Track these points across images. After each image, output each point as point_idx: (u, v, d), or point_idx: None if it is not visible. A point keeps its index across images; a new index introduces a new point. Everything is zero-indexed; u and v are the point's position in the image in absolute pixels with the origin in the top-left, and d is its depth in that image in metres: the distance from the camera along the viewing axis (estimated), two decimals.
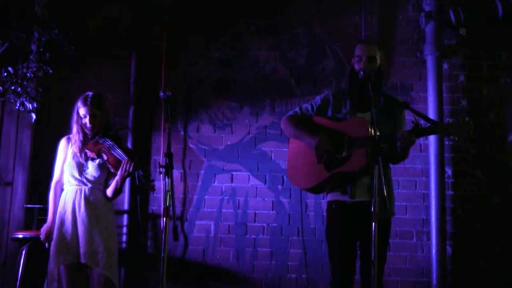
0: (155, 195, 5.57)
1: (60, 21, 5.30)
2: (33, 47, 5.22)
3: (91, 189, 3.92)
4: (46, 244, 3.97)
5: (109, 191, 3.94)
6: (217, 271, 5.44)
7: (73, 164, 3.95)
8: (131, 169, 3.76)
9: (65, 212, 3.89)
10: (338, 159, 3.52)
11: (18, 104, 5.10)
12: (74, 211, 3.88)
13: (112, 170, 3.88)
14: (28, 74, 5.09)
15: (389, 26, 5.83)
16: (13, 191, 5.34)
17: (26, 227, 5.31)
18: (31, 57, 5.17)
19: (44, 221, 5.14)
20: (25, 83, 5.08)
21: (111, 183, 3.95)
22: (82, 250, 3.80)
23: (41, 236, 3.97)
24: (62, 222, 3.88)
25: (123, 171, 3.78)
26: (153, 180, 3.85)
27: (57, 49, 5.28)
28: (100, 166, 3.94)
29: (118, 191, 3.92)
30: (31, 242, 4.87)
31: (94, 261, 3.79)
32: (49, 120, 5.53)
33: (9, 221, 5.31)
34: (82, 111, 3.93)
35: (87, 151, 3.91)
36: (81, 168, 3.94)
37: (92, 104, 3.93)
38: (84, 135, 3.96)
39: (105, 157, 3.86)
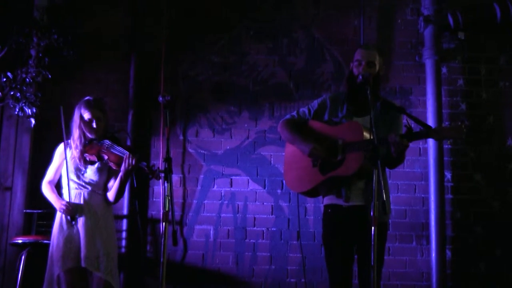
0: (154, 199, 5.57)
1: (59, 26, 5.30)
2: (32, 52, 5.23)
3: (90, 193, 3.92)
4: (50, 246, 3.93)
5: (112, 191, 3.91)
6: (217, 276, 5.44)
7: (72, 168, 3.95)
8: (133, 162, 3.74)
9: (66, 217, 3.89)
10: (332, 163, 3.53)
11: (17, 109, 5.10)
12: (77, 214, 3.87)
13: (114, 168, 3.85)
14: (27, 79, 5.09)
15: (388, 30, 5.84)
16: (12, 196, 5.34)
17: (25, 232, 5.31)
18: (30, 62, 5.17)
19: (44, 226, 5.19)
20: (24, 88, 5.09)
21: (109, 186, 3.94)
22: (82, 254, 3.78)
23: (63, 209, 3.86)
24: (62, 227, 3.88)
25: (126, 166, 3.75)
26: (158, 168, 3.80)
27: (56, 54, 5.29)
28: (99, 170, 3.94)
29: (121, 188, 3.88)
30: (31, 247, 4.87)
31: (94, 265, 3.78)
32: (49, 124, 5.53)
33: (8, 226, 5.31)
34: (87, 115, 3.92)
35: (86, 155, 3.91)
36: (79, 172, 3.94)
37: (97, 108, 3.94)
38: (85, 139, 3.95)
39: (105, 157, 3.85)
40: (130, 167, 3.76)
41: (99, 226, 3.87)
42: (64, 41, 5.25)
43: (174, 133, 5.65)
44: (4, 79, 5.02)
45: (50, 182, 4.04)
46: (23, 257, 4.83)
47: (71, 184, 3.94)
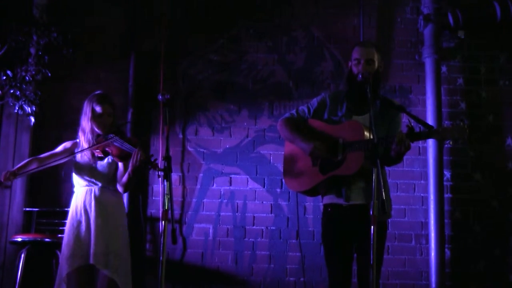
0: (153, 198, 5.57)
1: (58, 24, 5.30)
2: (32, 50, 5.23)
3: (101, 189, 3.90)
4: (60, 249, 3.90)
5: (121, 185, 3.91)
6: (216, 274, 5.44)
7: (82, 165, 3.94)
8: (141, 157, 3.71)
9: (76, 214, 3.86)
10: (333, 162, 3.52)
11: (17, 108, 5.10)
12: (86, 212, 3.84)
13: (117, 161, 3.85)
14: (27, 78, 5.10)
15: (387, 28, 5.83)
16: (12, 194, 5.34)
17: (24, 230, 5.31)
18: (29, 60, 5.17)
19: (43, 224, 5.20)
20: (24, 86, 5.09)
21: (118, 179, 3.93)
22: (91, 251, 3.76)
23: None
24: (74, 225, 3.84)
25: (134, 162, 3.72)
26: (155, 159, 3.78)
27: (56, 52, 5.28)
28: (109, 165, 3.91)
29: (130, 183, 3.87)
30: (30, 245, 4.87)
31: (101, 263, 3.74)
32: (48, 123, 5.54)
33: (8, 224, 5.31)
34: (98, 109, 3.91)
35: (93, 151, 3.89)
36: (90, 169, 3.92)
37: (108, 103, 3.95)
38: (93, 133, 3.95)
39: (109, 151, 3.83)
40: (138, 163, 3.73)
41: (109, 223, 3.84)
42: (64, 40, 5.25)
43: (174, 132, 5.64)
44: (4, 77, 5.02)
45: (35, 159, 3.99)
46: (22, 255, 4.83)
47: (81, 181, 3.93)
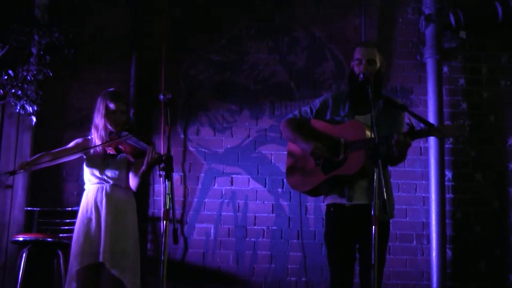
0: (155, 198, 5.57)
1: (60, 24, 5.31)
2: (33, 50, 5.23)
3: (112, 187, 3.88)
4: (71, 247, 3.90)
5: (134, 182, 3.89)
6: (217, 274, 5.44)
7: (93, 162, 3.93)
8: (155, 155, 3.70)
9: (87, 211, 3.85)
10: (335, 162, 3.53)
11: (18, 107, 5.11)
12: (97, 209, 3.83)
13: (131, 160, 3.83)
14: (28, 77, 5.11)
15: (389, 29, 5.83)
16: (13, 193, 5.34)
17: (26, 229, 5.31)
18: (31, 60, 5.18)
19: (45, 223, 5.20)
20: (25, 86, 5.10)
21: (130, 177, 3.92)
22: (101, 248, 3.74)
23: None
24: (84, 222, 3.83)
25: (149, 159, 3.70)
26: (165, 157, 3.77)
27: (57, 52, 5.29)
28: (121, 163, 3.91)
29: (142, 180, 3.84)
30: (31, 245, 4.87)
31: (109, 261, 3.73)
32: (49, 122, 5.54)
33: (9, 224, 5.31)
34: (112, 106, 3.90)
35: (106, 148, 3.88)
36: (102, 166, 3.91)
37: (122, 100, 3.95)
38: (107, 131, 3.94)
39: (122, 148, 3.82)
40: (153, 161, 3.71)
41: (118, 221, 3.83)
42: (65, 40, 5.26)
43: (175, 132, 5.64)
44: (5, 77, 5.03)
45: (48, 153, 3.97)
46: (24, 254, 4.83)
47: (92, 179, 3.92)
